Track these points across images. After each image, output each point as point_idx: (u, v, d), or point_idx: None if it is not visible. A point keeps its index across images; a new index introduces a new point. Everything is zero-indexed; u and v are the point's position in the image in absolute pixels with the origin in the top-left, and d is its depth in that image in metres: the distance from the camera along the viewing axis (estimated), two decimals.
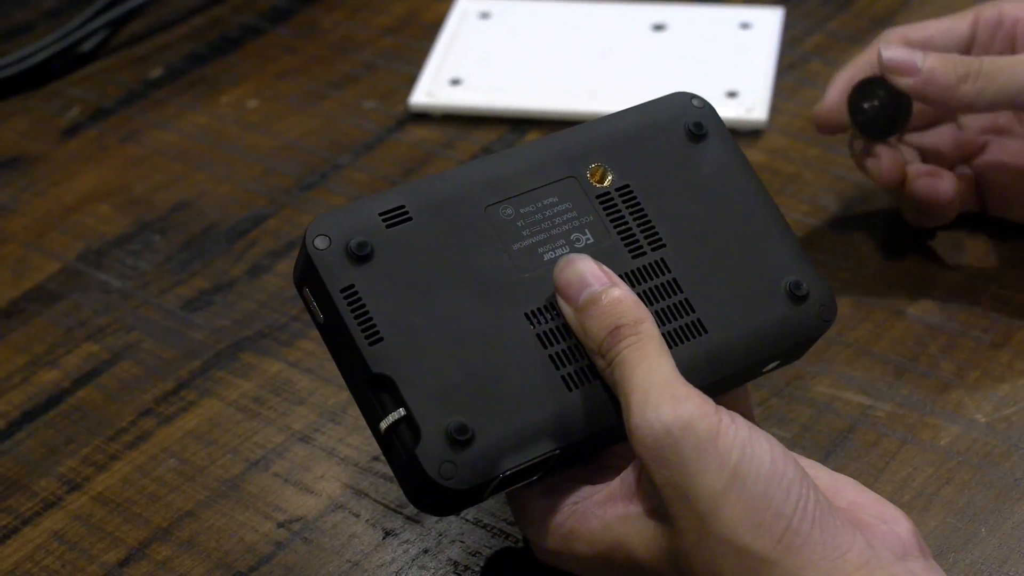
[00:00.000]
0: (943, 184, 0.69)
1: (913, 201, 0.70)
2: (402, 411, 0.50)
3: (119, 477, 0.63)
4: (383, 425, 0.51)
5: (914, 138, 0.72)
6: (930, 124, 0.73)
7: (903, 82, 0.66)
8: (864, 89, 0.68)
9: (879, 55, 0.66)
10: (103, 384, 0.68)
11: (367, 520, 0.60)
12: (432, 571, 0.58)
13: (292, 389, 0.67)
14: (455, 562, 0.58)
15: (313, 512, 0.61)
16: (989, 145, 0.72)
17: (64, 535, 0.60)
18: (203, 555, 0.59)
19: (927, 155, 0.72)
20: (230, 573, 0.58)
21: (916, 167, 0.70)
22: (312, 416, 0.65)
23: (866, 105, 0.68)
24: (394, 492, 0.61)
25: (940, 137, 0.72)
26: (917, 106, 0.68)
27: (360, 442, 0.63)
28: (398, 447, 0.50)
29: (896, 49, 0.66)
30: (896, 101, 0.68)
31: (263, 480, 0.62)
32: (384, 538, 0.59)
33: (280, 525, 0.60)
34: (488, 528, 0.59)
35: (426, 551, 0.59)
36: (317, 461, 0.63)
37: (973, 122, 0.72)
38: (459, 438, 0.50)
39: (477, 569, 0.58)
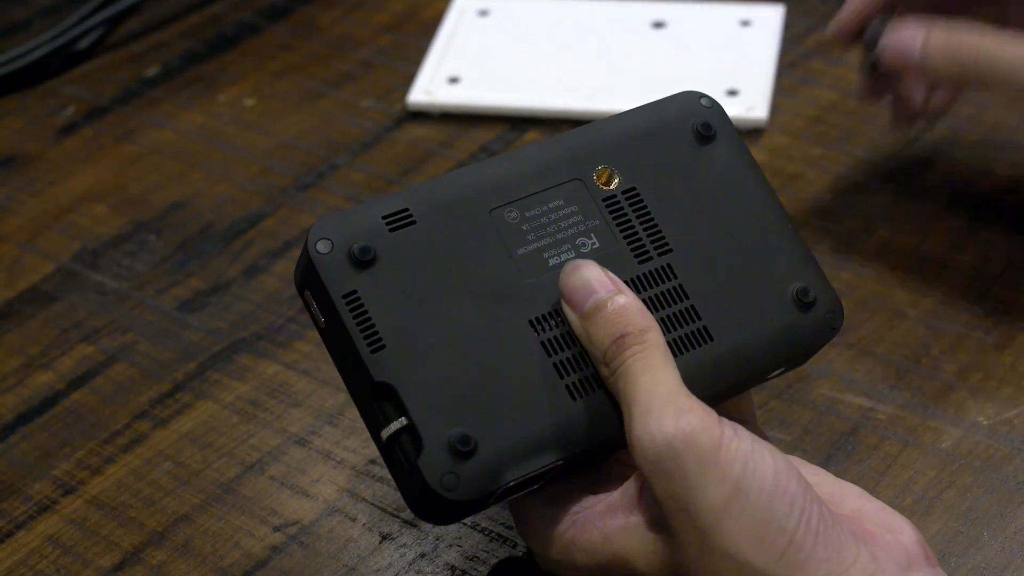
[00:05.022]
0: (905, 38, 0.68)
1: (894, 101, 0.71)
2: (404, 420, 0.49)
3: (114, 480, 0.62)
4: (385, 434, 0.50)
5: None
6: None
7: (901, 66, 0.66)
8: (875, 31, 0.68)
9: (878, 42, 0.66)
10: (98, 386, 0.67)
11: (364, 524, 0.60)
12: (429, 575, 0.57)
13: (289, 391, 0.66)
14: (452, 566, 0.57)
15: (309, 516, 0.60)
16: None
17: (58, 539, 0.60)
18: (198, 560, 0.59)
19: None
20: None
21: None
22: (309, 419, 0.65)
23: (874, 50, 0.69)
24: (391, 496, 0.60)
25: None
26: None
27: (357, 445, 0.63)
28: (400, 457, 0.50)
29: (898, 35, 0.66)
30: None
31: (259, 484, 0.62)
32: (381, 542, 0.59)
33: (276, 529, 0.60)
34: (486, 532, 0.59)
35: (423, 555, 0.58)
36: (314, 464, 0.62)
37: None
38: (462, 449, 0.49)
39: (475, 574, 0.57)
